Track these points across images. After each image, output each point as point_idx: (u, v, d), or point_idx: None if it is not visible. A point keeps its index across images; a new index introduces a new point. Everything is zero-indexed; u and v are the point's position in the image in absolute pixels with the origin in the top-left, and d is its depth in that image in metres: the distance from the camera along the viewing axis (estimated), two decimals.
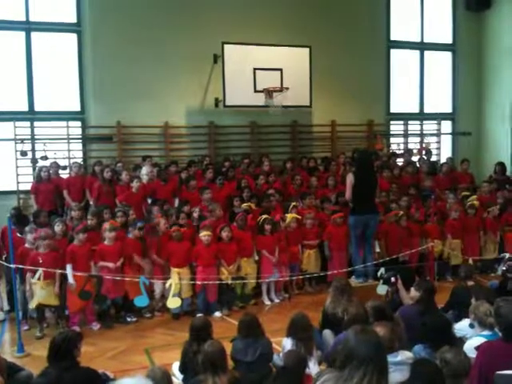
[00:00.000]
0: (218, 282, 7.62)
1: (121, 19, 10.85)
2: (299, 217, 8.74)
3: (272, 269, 8.28)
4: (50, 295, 7.04)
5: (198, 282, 7.52)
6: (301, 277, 8.49)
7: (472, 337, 4.68)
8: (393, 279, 6.32)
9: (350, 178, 8.12)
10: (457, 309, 5.90)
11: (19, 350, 6.38)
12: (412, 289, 5.70)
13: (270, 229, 8.30)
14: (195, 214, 8.51)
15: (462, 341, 4.81)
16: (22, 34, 10.70)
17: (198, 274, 7.68)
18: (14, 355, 6.27)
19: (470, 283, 6.62)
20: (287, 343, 5.12)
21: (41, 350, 6.24)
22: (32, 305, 7.01)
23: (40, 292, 6.94)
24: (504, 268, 6.90)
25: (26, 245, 7.34)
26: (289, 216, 8.66)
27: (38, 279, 6.92)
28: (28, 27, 10.70)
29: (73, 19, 10.99)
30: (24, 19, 10.66)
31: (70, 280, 7.09)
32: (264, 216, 8.38)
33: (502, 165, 11.69)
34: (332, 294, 5.94)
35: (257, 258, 8.35)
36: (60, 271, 7.01)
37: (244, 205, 8.89)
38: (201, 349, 4.50)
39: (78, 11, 10.97)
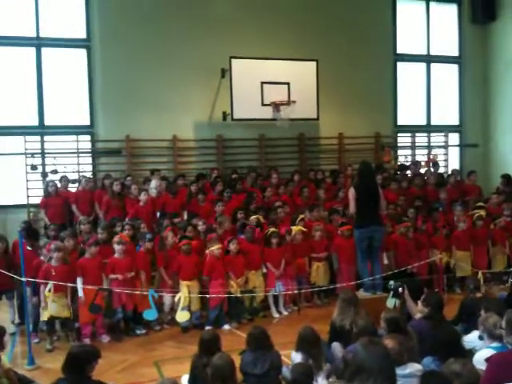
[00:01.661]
0: (226, 295, 7.64)
1: (130, 35, 10.99)
2: (305, 229, 8.76)
3: (275, 282, 8.29)
4: (63, 308, 7.09)
5: (213, 296, 7.50)
6: (309, 289, 8.49)
7: (481, 349, 4.67)
8: (400, 290, 6.33)
9: (351, 192, 8.11)
10: (466, 321, 5.88)
11: (29, 363, 6.42)
12: (419, 303, 5.69)
13: (276, 242, 8.33)
14: (202, 227, 8.54)
15: (471, 353, 4.80)
16: (33, 49, 10.86)
17: (213, 287, 7.64)
18: (25, 368, 6.31)
19: (479, 295, 6.59)
20: (296, 357, 5.12)
21: (51, 363, 6.31)
22: (44, 317, 7.05)
23: (52, 305, 6.99)
24: None
25: (42, 257, 7.42)
26: (294, 228, 8.68)
27: (49, 291, 6.98)
28: (38, 43, 10.86)
29: (82, 35, 11.14)
30: (34, 35, 10.81)
31: (80, 293, 7.14)
32: (271, 229, 8.41)
33: (506, 177, 11.66)
34: (339, 307, 5.94)
35: (265, 270, 8.38)
36: (71, 285, 7.06)
37: (252, 217, 8.93)
38: (210, 362, 4.51)
39: (87, 27, 11.12)
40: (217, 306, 7.64)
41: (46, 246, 7.47)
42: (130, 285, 7.39)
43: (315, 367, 4.93)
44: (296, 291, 8.37)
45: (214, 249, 7.75)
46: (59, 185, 9.84)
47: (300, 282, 8.63)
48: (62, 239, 7.73)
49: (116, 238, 7.62)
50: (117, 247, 7.52)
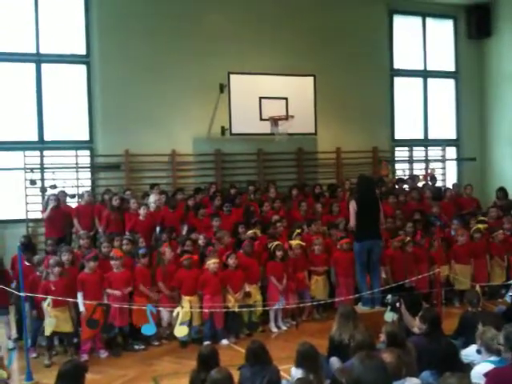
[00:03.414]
0: (225, 309, 7.63)
1: (129, 51, 11.10)
2: (303, 244, 8.78)
3: (278, 296, 8.30)
4: (65, 322, 7.09)
5: (206, 310, 7.52)
6: (308, 304, 8.47)
7: (479, 363, 4.67)
8: (397, 304, 6.33)
9: (352, 205, 8.13)
10: (465, 335, 5.87)
11: (28, 378, 6.39)
12: (417, 320, 5.68)
13: (281, 255, 8.34)
14: (200, 241, 8.55)
15: (469, 367, 4.80)
16: (33, 65, 10.93)
17: (205, 302, 7.67)
18: (23, 383, 6.28)
19: (478, 309, 6.57)
20: (297, 373, 5.10)
21: (49, 378, 6.25)
22: (46, 332, 7.04)
23: (53, 319, 6.98)
24: (511, 294, 6.88)
25: (38, 273, 7.42)
26: (293, 243, 8.70)
27: (48, 305, 6.97)
28: (38, 59, 10.94)
29: (82, 51, 11.23)
30: (34, 51, 10.90)
31: (81, 308, 7.13)
32: (276, 242, 8.42)
33: (503, 190, 11.72)
34: (337, 321, 5.93)
35: (261, 284, 8.38)
36: (70, 300, 7.05)
37: (249, 232, 8.95)
38: (208, 377, 4.50)
39: (87, 43, 11.21)
40: (207, 320, 7.63)
41: (44, 261, 7.48)
42: (126, 300, 7.39)
43: (316, 383, 4.91)
44: (295, 305, 8.37)
45: (210, 263, 7.76)
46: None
47: (302, 296, 8.62)
48: (60, 254, 7.74)
49: (111, 254, 7.66)
50: (112, 262, 7.56)
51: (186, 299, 7.70)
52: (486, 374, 4.12)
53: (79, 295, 7.15)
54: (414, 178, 12.55)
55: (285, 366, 5.52)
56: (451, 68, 14.43)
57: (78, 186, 10.76)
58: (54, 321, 6.98)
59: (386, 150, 13.31)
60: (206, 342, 7.28)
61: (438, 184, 12.92)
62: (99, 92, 11.13)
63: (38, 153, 10.81)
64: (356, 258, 8.24)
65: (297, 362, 5.12)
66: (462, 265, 9.39)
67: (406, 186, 12.20)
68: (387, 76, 13.55)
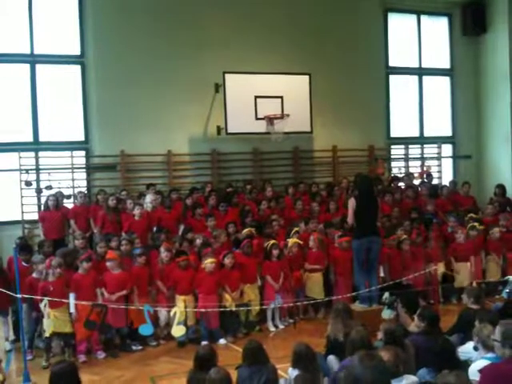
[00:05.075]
0: (221, 309, 7.62)
1: (123, 51, 11.05)
2: (301, 242, 8.77)
3: (274, 295, 8.28)
4: (65, 323, 7.08)
5: (202, 310, 7.50)
6: (305, 302, 8.47)
7: (477, 359, 4.66)
8: (394, 304, 6.33)
9: (351, 203, 8.16)
10: (463, 332, 5.86)
11: (25, 380, 6.36)
12: (415, 318, 5.67)
13: (277, 254, 8.33)
14: (198, 241, 8.54)
15: (467, 364, 4.80)
16: (27, 66, 10.89)
17: (199, 301, 7.68)
18: None
19: (476, 306, 6.55)
20: (293, 374, 5.09)
21: (47, 380, 6.23)
22: (47, 333, 7.02)
23: (53, 321, 6.97)
24: (507, 290, 6.89)
25: (34, 275, 7.40)
26: (290, 241, 8.69)
27: (45, 306, 6.95)
28: (33, 59, 10.90)
29: (76, 51, 11.19)
30: (29, 52, 10.86)
31: (72, 309, 7.10)
32: (272, 241, 8.41)
33: (501, 187, 11.77)
34: (332, 320, 5.93)
35: (260, 283, 8.37)
36: (66, 301, 7.03)
37: (244, 231, 8.94)
38: (206, 377, 4.49)
39: (81, 43, 11.17)
40: (200, 320, 7.62)
41: (46, 263, 7.45)
42: (123, 302, 7.36)
43: (314, 381, 4.91)
44: (292, 304, 8.35)
45: (207, 263, 7.75)
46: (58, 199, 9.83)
47: (298, 294, 8.61)
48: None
49: (107, 256, 7.66)
50: (107, 264, 7.56)
51: (180, 299, 7.69)
52: (481, 371, 4.11)
53: (71, 296, 7.11)
54: (409, 176, 12.56)
55: (282, 365, 5.52)
56: (446, 65, 14.44)
57: (73, 187, 10.72)
58: (51, 322, 6.96)
59: (381, 148, 13.31)
60: (204, 342, 7.28)
61: (434, 181, 12.93)
62: (94, 92, 11.09)
63: (33, 154, 10.76)
64: (354, 255, 8.25)
65: (293, 362, 5.10)
66: (460, 262, 9.40)
67: (401, 184, 12.21)
68: (383, 74, 13.54)
